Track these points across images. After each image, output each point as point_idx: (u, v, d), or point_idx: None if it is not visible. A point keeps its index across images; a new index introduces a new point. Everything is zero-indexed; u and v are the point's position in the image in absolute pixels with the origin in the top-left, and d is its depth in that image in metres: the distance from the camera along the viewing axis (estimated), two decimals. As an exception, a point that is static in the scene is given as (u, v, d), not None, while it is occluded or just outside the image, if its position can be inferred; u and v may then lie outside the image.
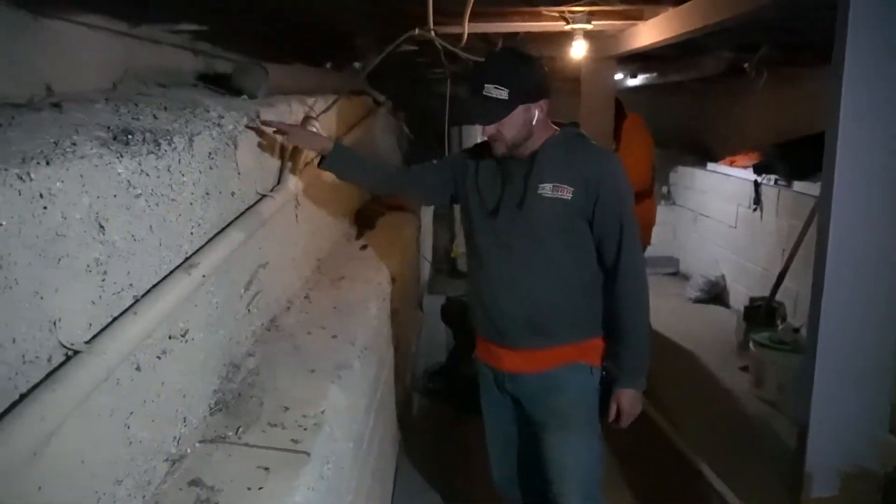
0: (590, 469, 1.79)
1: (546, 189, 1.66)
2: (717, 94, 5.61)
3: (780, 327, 3.65)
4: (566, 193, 1.64)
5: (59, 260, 0.88)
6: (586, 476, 1.78)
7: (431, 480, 2.70)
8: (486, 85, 1.58)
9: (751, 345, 3.54)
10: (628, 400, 1.73)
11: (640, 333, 1.71)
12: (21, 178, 0.81)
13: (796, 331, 3.46)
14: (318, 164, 1.96)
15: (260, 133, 1.77)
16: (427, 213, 4.77)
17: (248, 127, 1.73)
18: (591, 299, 1.75)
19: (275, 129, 1.81)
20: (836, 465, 1.51)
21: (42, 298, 0.84)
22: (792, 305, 4.00)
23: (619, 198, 1.67)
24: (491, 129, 1.64)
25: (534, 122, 1.65)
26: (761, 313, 3.90)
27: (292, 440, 1.30)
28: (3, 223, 0.77)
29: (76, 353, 0.89)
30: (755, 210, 4.55)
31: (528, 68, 1.65)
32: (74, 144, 1.01)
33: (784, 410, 3.24)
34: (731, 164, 5.01)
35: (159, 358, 1.17)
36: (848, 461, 1.51)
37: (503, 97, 1.58)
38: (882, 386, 1.55)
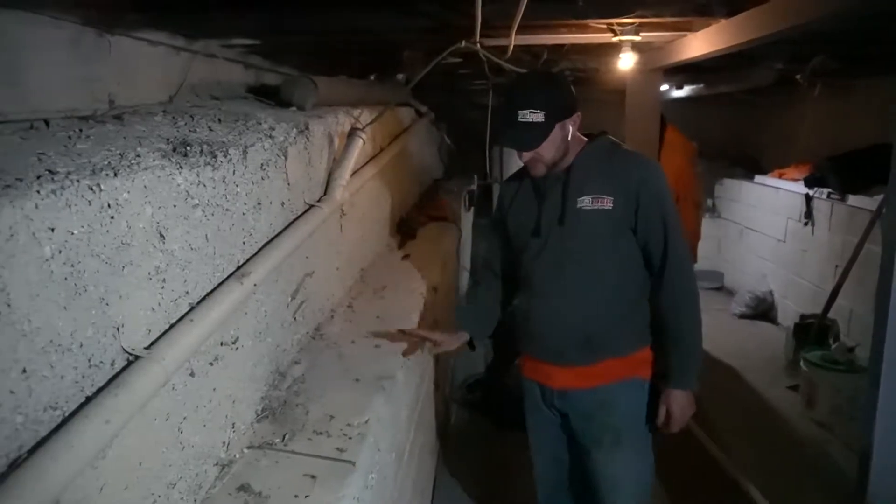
0: (643, 483, 1.78)
1: (585, 202, 1.64)
2: (767, 106, 5.48)
3: (833, 346, 3.52)
4: (607, 204, 1.62)
5: (124, 267, 0.91)
6: (640, 490, 1.77)
7: (470, 493, 2.68)
8: (520, 111, 1.58)
9: (801, 363, 3.42)
10: (678, 402, 1.66)
11: (689, 331, 1.66)
12: (91, 189, 0.85)
13: (851, 350, 3.33)
14: (472, 349, 2.01)
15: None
16: (467, 224, 4.77)
17: (399, 331, 1.88)
18: (639, 309, 1.72)
19: (424, 338, 1.89)
20: (900, 495, 1.44)
21: (108, 305, 0.87)
22: (845, 324, 3.85)
23: (660, 198, 1.64)
24: (529, 153, 1.64)
25: (569, 138, 1.66)
26: (813, 331, 3.77)
27: (337, 449, 1.31)
28: (75, 232, 0.81)
29: (137, 358, 0.92)
30: (806, 224, 4.41)
31: (557, 87, 1.67)
32: (139, 156, 1.04)
33: (838, 434, 3.12)
34: (780, 176, 4.87)
35: (211, 364, 1.20)
36: (914, 490, 1.44)
37: (539, 120, 1.58)
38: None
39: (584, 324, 1.69)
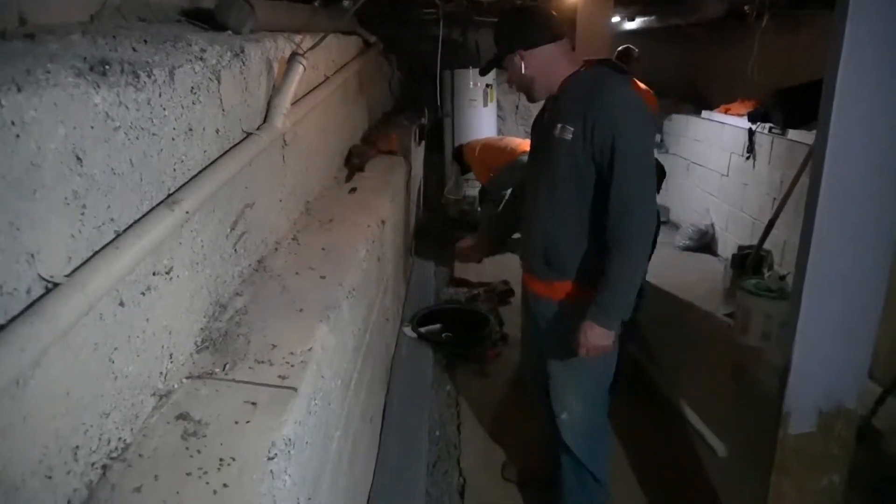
0: (586, 389, 1.93)
1: (557, 130, 1.74)
2: (717, 40, 5.49)
3: (766, 275, 3.69)
4: (567, 133, 1.70)
5: (35, 191, 0.86)
6: (584, 393, 1.93)
7: (419, 423, 2.76)
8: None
9: (737, 292, 3.58)
10: (584, 332, 1.69)
11: (615, 272, 1.65)
12: (-10, 104, 0.78)
13: (782, 278, 3.50)
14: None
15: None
16: (417, 158, 4.71)
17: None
18: (599, 244, 1.71)
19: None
20: (814, 404, 1.55)
21: (18, 230, 0.82)
22: (780, 254, 4.03)
23: (613, 125, 1.61)
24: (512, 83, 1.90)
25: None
26: (749, 261, 3.94)
27: (279, 377, 1.31)
28: (-27, 150, 0.75)
29: (56, 285, 0.88)
30: (748, 159, 4.53)
31: (512, 21, 1.84)
32: (48, 73, 0.97)
33: (768, 357, 3.31)
34: (726, 112, 4.95)
35: (143, 294, 1.17)
36: (826, 401, 1.55)
37: (495, 52, 1.87)
38: (865, 331, 1.57)
39: (544, 242, 1.84)
